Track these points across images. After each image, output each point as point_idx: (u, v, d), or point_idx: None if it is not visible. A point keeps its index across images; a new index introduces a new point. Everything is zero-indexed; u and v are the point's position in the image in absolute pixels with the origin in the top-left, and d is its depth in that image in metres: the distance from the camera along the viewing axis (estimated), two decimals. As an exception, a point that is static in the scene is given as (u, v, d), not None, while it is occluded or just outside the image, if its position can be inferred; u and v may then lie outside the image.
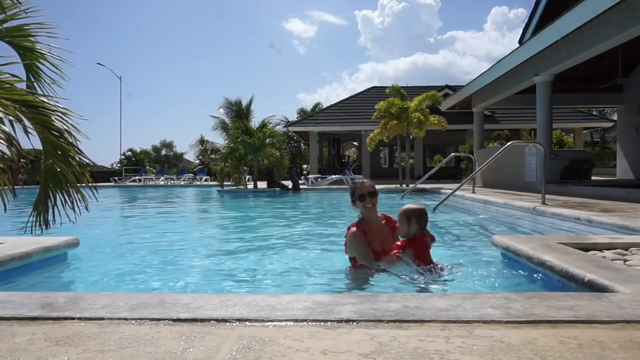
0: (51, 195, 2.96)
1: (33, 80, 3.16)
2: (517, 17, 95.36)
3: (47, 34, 3.10)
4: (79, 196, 3.02)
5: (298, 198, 13.17)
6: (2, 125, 2.45)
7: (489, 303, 1.72)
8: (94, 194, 3.10)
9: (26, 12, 2.95)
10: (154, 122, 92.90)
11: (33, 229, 2.96)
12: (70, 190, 2.97)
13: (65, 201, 2.99)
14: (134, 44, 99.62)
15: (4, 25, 2.96)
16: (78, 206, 3.03)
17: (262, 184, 16.46)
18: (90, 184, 3.09)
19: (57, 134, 2.83)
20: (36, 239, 3.18)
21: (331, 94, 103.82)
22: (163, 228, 7.01)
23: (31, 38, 3.07)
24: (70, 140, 2.89)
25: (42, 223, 2.99)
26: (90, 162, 3.07)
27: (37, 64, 3.15)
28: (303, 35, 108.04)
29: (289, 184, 15.50)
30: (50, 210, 3.00)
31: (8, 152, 2.54)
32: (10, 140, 2.49)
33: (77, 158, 2.95)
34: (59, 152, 2.87)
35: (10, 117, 2.50)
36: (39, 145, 2.87)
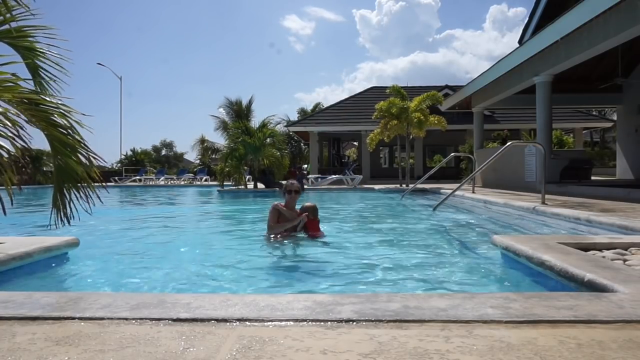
0: (66, 192, 3.01)
1: (38, 79, 3.20)
2: (516, 15, 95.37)
3: (45, 35, 3.14)
4: (91, 189, 3.09)
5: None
6: (7, 122, 2.47)
7: (488, 303, 1.73)
8: (106, 189, 3.17)
9: (33, 14, 2.97)
10: (154, 122, 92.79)
11: (57, 224, 3.02)
12: (83, 185, 3.04)
13: (80, 196, 3.05)
14: (134, 44, 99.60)
15: (4, 27, 2.97)
16: (92, 200, 3.10)
17: (262, 184, 16.46)
18: (100, 180, 3.15)
19: (64, 131, 2.86)
20: (37, 238, 3.19)
21: (329, 94, 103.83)
22: (163, 228, 7.01)
23: (30, 39, 3.10)
24: (77, 137, 2.93)
25: (62, 218, 3.05)
26: (98, 158, 3.12)
27: (38, 62, 3.18)
28: (301, 32, 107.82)
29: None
30: (67, 206, 3.06)
31: (13, 149, 2.56)
32: (17, 136, 2.51)
33: (84, 154, 3.00)
34: (68, 149, 2.90)
35: (12, 117, 2.51)
36: (39, 145, 2.90)
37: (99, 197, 3.14)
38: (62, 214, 3.04)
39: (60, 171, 2.95)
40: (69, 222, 3.09)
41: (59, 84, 3.27)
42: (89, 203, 3.08)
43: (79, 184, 3.03)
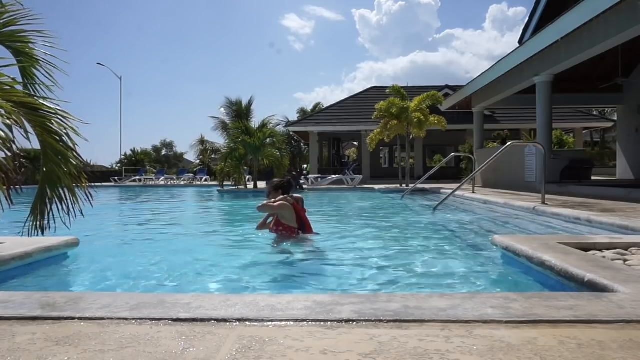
0: (48, 200, 2.98)
1: (27, 82, 3.17)
2: (516, 15, 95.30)
3: (45, 42, 3.12)
4: (75, 200, 3.05)
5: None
6: (0, 132, 2.45)
7: (488, 303, 1.73)
8: (88, 198, 3.13)
9: (18, 18, 2.95)
10: (154, 122, 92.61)
11: (30, 233, 2.97)
12: (67, 194, 2.99)
13: (62, 206, 3.01)
14: (134, 44, 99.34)
15: (3, 30, 2.96)
16: (73, 210, 3.06)
17: (262, 184, 16.46)
18: (86, 187, 3.11)
19: (57, 137, 2.84)
20: (36, 239, 3.18)
21: (329, 94, 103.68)
22: (163, 228, 7.01)
23: (29, 45, 3.09)
24: (69, 144, 2.90)
25: (37, 228, 3.01)
26: (87, 168, 3.10)
27: (33, 69, 3.16)
28: (300, 32, 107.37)
29: None
30: (47, 215, 3.02)
31: (5, 158, 2.54)
32: (8, 146, 2.48)
33: (74, 162, 2.97)
34: (60, 158, 2.87)
35: (8, 122, 2.50)
36: (38, 146, 2.88)
37: (81, 212, 3.11)
38: (38, 223, 3.01)
39: (46, 178, 2.92)
40: (42, 233, 3.06)
41: (54, 90, 3.24)
42: (68, 215, 3.05)
43: (63, 193, 2.99)
